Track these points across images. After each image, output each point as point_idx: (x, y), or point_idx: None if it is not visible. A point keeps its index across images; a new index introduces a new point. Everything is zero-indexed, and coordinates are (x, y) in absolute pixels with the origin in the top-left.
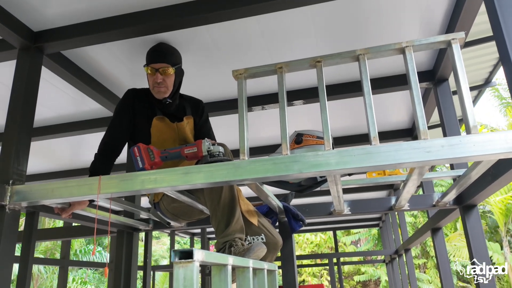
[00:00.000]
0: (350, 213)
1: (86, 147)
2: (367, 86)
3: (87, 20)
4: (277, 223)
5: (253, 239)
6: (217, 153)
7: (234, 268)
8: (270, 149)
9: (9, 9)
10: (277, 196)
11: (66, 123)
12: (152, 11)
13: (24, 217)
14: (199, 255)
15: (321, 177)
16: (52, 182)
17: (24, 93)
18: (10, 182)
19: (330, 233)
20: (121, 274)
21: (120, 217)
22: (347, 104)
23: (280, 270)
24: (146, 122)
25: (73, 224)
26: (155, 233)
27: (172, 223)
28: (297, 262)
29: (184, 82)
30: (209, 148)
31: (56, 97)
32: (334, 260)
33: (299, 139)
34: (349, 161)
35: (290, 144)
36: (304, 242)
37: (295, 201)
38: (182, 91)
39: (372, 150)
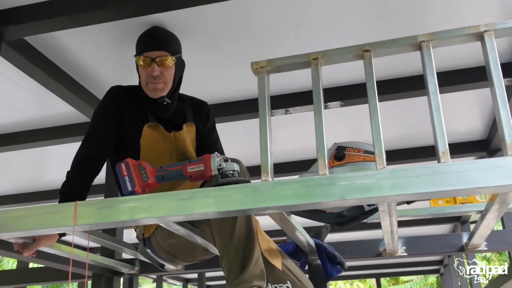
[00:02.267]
0: (405, 254)
1: (52, 162)
2: (433, 84)
3: None
4: (306, 267)
5: None
6: (231, 172)
7: None
8: (295, 167)
9: None
10: (307, 230)
11: (28, 131)
12: None
13: None
14: None
15: (369, 205)
16: (13, 209)
17: None
18: None
19: (372, 281)
20: None
21: (97, 256)
22: (400, 106)
23: None
24: (135, 130)
25: (31, 265)
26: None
27: (167, 265)
28: None
29: (184, 78)
30: (220, 165)
31: (15, 97)
32: None
33: (340, 154)
34: (409, 185)
35: (329, 161)
36: None
37: (330, 237)
38: (181, 90)
39: (440, 169)
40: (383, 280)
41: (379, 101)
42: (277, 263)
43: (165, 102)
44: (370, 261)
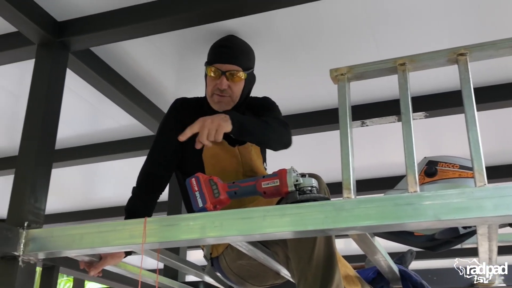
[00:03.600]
0: (503, 285)
1: (105, 178)
2: None
3: (126, 6)
4: None
5: None
6: (309, 188)
7: None
8: (373, 185)
9: None
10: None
11: (86, 146)
12: None
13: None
14: None
15: (465, 227)
16: (79, 226)
17: (45, 102)
18: (25, 225)
19: None
20: None
21: (164, 278)
22: (500, 117)
23: None
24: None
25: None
26: None
27: None
28: None
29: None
30: (296, 180)
31: (76, 110)
32: None
33: (432, 170)
34: None
35: (419, 177)
36: None
37: (415, 264)
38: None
39: None
40: None
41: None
42: None
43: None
44: None
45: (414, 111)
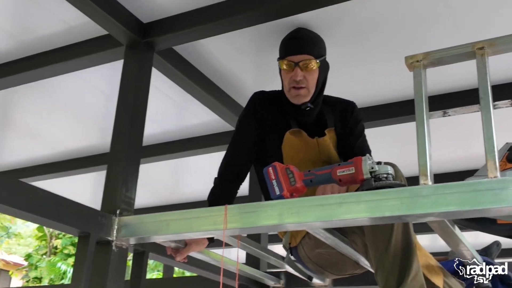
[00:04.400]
0: None
1: (191, 173)
2: None
3: (205, 5)
4: None
5: None
6: (384, 175)
7: None
8: (453, 178)
9: None
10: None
11: (171, 142)
12: None
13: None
14: None
15: None
16: (166, 213)
17: (133, 101)
18: (118, 212)
19: None
20: None
21: (245, 267)
22: None
23: None
24: (276, 136)
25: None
26: None
27: (315, 278)
28: None
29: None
30: (372, 168)
31: (161, 107)
32: None
33: None
34: None
35: (500, 163)
36: None
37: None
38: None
39: None
40: None
41: None
42: (438, 281)
43: (308, 108)
44: None
45: (500, 99)
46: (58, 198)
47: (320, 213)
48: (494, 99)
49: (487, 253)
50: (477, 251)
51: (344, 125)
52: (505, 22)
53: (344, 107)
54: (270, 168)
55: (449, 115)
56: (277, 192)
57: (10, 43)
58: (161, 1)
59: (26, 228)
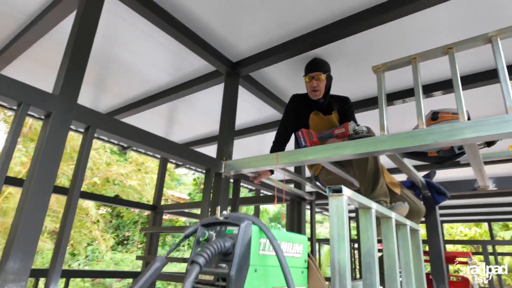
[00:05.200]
0: (495, 189)
1: (266, 143)
2: (502, 70)
3: (268, 48)
4: (420, 197)
5: None
6: (362, 131)
7: (379, 223)
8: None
9: (219, 48)
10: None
11: (252, 126)
12: (308, 34)
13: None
14: (347, 191)
15: (459, 149)
16: (247, 158)
17: (229, 107)
18: (224, 159)
19: (486, 226)
20: None
21: (292, 188)
22: (486, 93)
23: None
24: (305, 117)
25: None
26: (318, 217)
27: None
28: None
29: (333, 84)
30: (354, 128)
31: (248, 108)
32: (490, 249)
33: (435, 116)
34: (484, 129)
35: (426, 122)
36: (457, 234)
37: (439, 178)
38: (332, 92)
39: (508, 118)
40: (495, 226)
41: (465, 88)
42: (397, 190)
43: (321, 101)
44: (481, 209)
45: (436, 90)
46: (192, 150)
47: (326, 153)
48: (432, 91)
49: (428, 176)
50: (423, 176)
51: (343, 109)
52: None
53: (342, 99)
54: (299, 132)
55: (406, 102)
56: (303, 144)
57: (169, 78)
58: (242, 49)
59: (187, 178)
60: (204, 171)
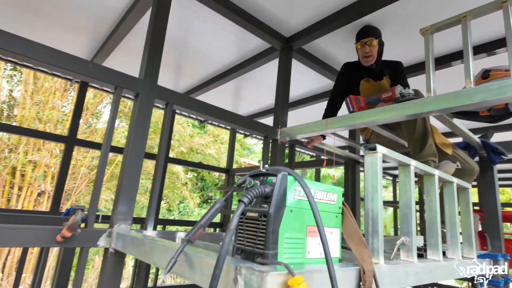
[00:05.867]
0: None
1: (322, 112)
2: None
3: (318, 20)
4: (476, 157)
5: None
6: (408, 94)
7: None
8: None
9: (273, 26)
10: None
11: (309, 97)
12: (356, 2)
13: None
14: (382, 149)
15: None
16: (300, 124)
17: (284, 79)
18: (279, 126)
19: None
20: (347, 200)
21: (346, 152)
22: None
23: None
24: (356, 84)
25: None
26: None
27: None
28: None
29: (386, 50)
30: (401, 91)
31: (303, 80)
32: None
33: (486, 75)
34: None
35: (477, 81)
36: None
37: (497, 139)
38: (385, 57)
39: None
40: None
41: None
42: (449, 150)
43: (373, 67)
44: None
45: (483, 52)
46: (252, 120)
47: (373, 117)
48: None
49: (486, 137)
50: (478, 137)
51: (394, 74)
52: None
53: (394, 64)
54: (347, 98)
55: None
56: (351, 109)
57: (232, 58)
58: (294, 24)
59: (257, 147)
60: (263, 138)
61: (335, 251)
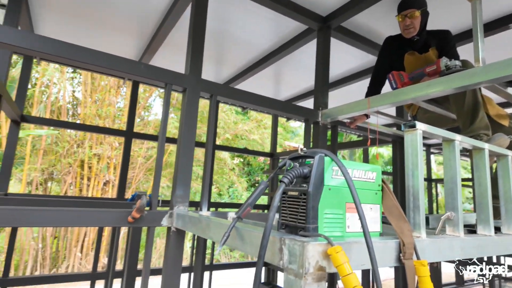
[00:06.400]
0: None
1: (360, 90)
2: None
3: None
4: None
5: None
6: (454, 66)
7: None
8: None
9: (309, 7)
10: None
11: (353, 74)
12: None
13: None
14: (422, 126)
15: None
16: (341, 105)
17: (322, 59)
18: (320, 108)
19: None
20: (396, 177)
21: (393, 129)
22: None
23: None
24: (400, 58)
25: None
26: (438, 159)
27: None
28: None
29: (433, 20)
30: (446, 63)
31: (343, 58)
32: None
33: None
34: None
35: None
36: None
37: None
38: (431, 27)
39: None
40: None
41: None
42: (505, 122)
43: (415, 39)
44: None
45: None
46: (292, 104)
47: (415, 93)
48: None
49: None
50: None
51: (441, 44)
52: None
53: (441, 34)
54: (389, 74)
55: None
56: (394, 86)
57: (270, 43)
58: (331, 3)
59: (301, 130)
60: (303, 122)
61: (375, 226)
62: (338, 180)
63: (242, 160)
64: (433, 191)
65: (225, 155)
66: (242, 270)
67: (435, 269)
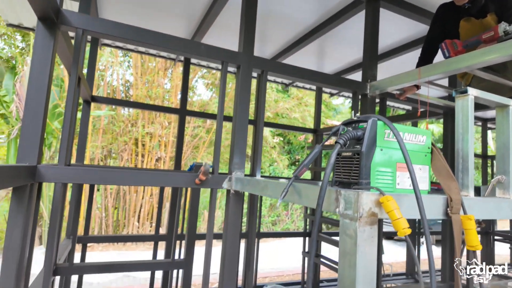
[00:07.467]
0: None
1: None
2: None
3: None
4: None
5: None
6: None
7: None
8: None
9: None
10: None
11: (403, 45)
12: None
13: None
14: (473, 92)
15: None
16: (390, 76)
17: (371, 31)
18: (369, 81)
19: None
20: (446, 151)
21: (445, 101)
22: None
23: None
24: (454, 25)
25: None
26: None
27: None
28: None
29: None
30: (505, 29)
31: (393, 29)
32: None
33: None
34: None
35: None
36: None
37: None
38: None
39: None
40: None
41: None
42: None
43: (466, 6)
44: None
45: None
46: (338, 77)
47: (473, 60)
48: None
49: None
50: None
51: (500, 8)
52: None
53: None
54: (442, 43)
55: None
56: (447, 55)
57: (315, 17)
58: None
59: (343, 107)
60: (351, 96)
61: (424, 185)
62: (390, 142)
63: (282, 139)
64: (489, 169)
65: (266, 133)
66: (283, 242)
67: (487, 246)
